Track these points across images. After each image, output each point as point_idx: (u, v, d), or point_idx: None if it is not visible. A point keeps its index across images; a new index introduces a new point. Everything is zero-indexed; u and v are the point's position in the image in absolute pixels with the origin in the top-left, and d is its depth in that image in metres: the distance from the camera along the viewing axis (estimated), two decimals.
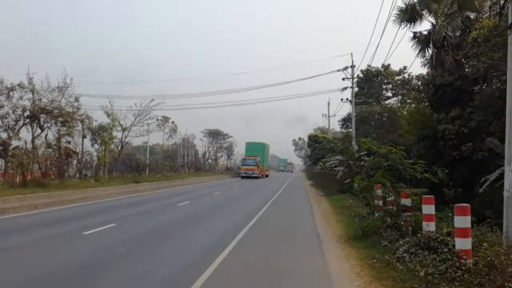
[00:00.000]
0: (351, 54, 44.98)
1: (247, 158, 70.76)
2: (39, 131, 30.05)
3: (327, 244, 11.73)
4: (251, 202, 24.91)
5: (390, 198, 11.79)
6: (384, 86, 47.17)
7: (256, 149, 73.60)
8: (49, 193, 21.03)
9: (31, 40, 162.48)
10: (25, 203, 18.52)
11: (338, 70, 38.82)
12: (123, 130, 37.45)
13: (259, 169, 68.67)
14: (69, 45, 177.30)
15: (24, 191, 20.41)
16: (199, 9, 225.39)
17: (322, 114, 73.81)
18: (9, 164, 26.46)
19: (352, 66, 38.46)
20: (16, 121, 28.76)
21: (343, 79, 39.03)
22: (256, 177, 64.77)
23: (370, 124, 39.93)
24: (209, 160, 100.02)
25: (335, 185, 28.85)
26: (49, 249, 10.75)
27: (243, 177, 63.42)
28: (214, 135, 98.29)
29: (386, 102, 45.14)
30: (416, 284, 7.02)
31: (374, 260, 8.85)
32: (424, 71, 27.52)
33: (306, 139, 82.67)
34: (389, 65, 45.19)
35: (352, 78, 38.94)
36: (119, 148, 39.56)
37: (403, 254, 8.55)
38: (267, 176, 77.90)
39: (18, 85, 28.62)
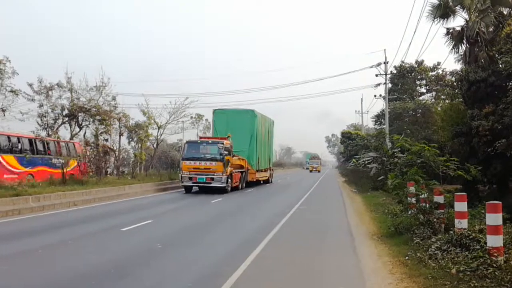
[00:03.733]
0: (384, 50, 44.53)
1: (202, 141, 30.07)
2: (77, 129, 30.99)
3: (360, 241, 11.80)
4: (281, 200, 24.96)
5: (423, 196, 11.72)
6: (417, 82, 46.58)
7: (237, 124, 32.81)
8: (87, 190, 21.53)
9: (70, 39, 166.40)
10: (64, 200, 18.99)
11: (371, 67, 38.72)
12: (159, 128, 38.10)
13: (228, 168, 28.01)
14: (107, 44, 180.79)
15: (64, 188, 20.87)
16: (227, 7, 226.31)
17: (355, 111, 71.43)
18: None
19: (386, 62, 38.25)
20: (55, 119, 29.87)
21: (377, 75, 38.96)
22: (223, 189, 27.38)
23: (404, 120, 39.54)
24: None
25: (368, 182, 28.77)
26: (89, 245, 11.12)
27: (186, 188, 27.90)
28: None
29: (420, 98, 44.50)
30: (447, 281, 7.05)
31: (407, 258, 8.90)
32: (458, 67, 27.11)
33: (339, 136, 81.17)
34: (422, 61, 44.63)
35: (386, 74, 38.73)
36: (155, 145, 40.31)
37: (435, 252, 8.59)
38: (266, 181, 40.01)
39: (57, 84, 29.61)
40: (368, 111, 61.41)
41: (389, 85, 42.66)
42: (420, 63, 44.41)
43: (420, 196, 11.79)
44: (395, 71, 43.85)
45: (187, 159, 27.46)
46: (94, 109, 30.54)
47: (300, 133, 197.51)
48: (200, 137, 36.69)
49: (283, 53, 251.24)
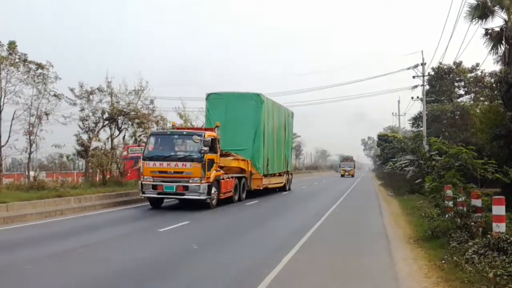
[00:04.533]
0: (422, 51, 43.90)
1: (174, 132, 21.89)
2: (117, 132, 31.64)
3: (395, 244, 11.75)
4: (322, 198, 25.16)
5: (460, 199, 11.59)
6: (456, 84, 45.61)
7: (238, 113, 25.59)
8: (127, 191, 22.06)
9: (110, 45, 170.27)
10: (104, 201, 19.61)
11: (409, 68, 38.10)
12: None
13: (212, 172, 19.57)
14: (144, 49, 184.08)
15: (104, 189, 21.42)
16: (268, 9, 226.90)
17: (392, 113, 70.02)
18: (90, 164, 28.14)
19: (423, 64, 37.63)
20: (96, 123, 30.42)
21: (414, 77, 38.34)
22: (204, 203, 19.34)
23: (441, 122, 38.89)
24: None
25: (405, 185, 28.39)
26: (128, 244, 11.59)
27: (152, 201, 20.04)
28: None
29: (458, 100, 43.64)
30: (484, 285, 6.99)
31: (443, 261, 8.82)
32: (497, 68, 26.54)
33: (376, 139, 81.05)
34: (461, 62, 43.66)
35: (423, 76, 38.11)
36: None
37: (472, 256, 8.49)
38: (282, 188, 31.91)
39: (98, 88, 30.19)
40: (405, 113, 60.31)
41: (427, 87, 41.99)
42: (458, 65, 43.50)
43: (458, 200, 11.65)
44: (432, 73, 43.08)
45: (151, 158, 19.27)
46: (133, 113, 31.03)
47: (335, 135, 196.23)
48: (173, 127, 25.21)
49: (319, 55, 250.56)
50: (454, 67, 43.66)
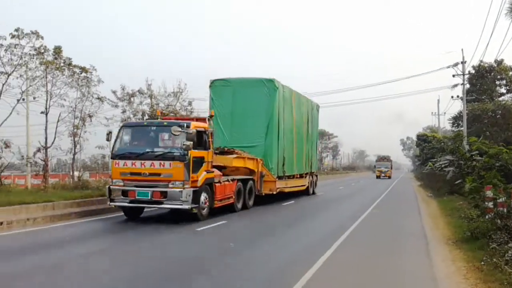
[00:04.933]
0: (462, 50, 43.12)
1: (152, 122, 17.43)
2: None
3: (433, 245, 11.69)
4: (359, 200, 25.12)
5: (501, 200, 11.41)
6: (497, 82, 44.46)
7: (247, 103, 21.97)
8: None
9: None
10: None
11: (448, 67, 37.78)
12: None
13: (200, 174, 15.14)
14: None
15: None
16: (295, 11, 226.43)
17: (432, 113, 68.65)
18: None
19: (463, 62, 37.18)
20: None
21: (454, 75, 37.90)
22: (190, 214, 14.93)
23: (482, 122, 38.00)
24: None
25: (444, 186, 27.89)
26: (167, 243, 11.93)
27: (126, 211, 15.77)
28: (319, 135, 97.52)
29: (500, 99, 42.54)
30: None
31: (482, 263, 8.74)
32: None
33: (415, 139, 79.61)
34: (502, 60, 42.54)
35: (463, 75, 37.58)
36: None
37: None
38: (305, 192, 28.00)
39: (138, 91, 30.63)
40: (445, 113, 58.96)
41: (467, 86, 41.21)
42: (499, 63, 42.38)
43: (498, 200, 11.48)
44: (473, 71, 42.19)
45: (121, 156, 15.12)
46: (172, 114, 31.52)
47: (374, 136, 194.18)
48: (157, 117, 18.87)
49: (354, 56, 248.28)
50: (495, 65, 42.61)
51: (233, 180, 17.80)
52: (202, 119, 17.07)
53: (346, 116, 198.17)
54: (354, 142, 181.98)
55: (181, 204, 14.33)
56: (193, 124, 15.06)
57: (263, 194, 20.88)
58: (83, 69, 24.79)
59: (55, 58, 24.18)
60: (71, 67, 24.54)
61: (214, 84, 22.00)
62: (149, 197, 14.48)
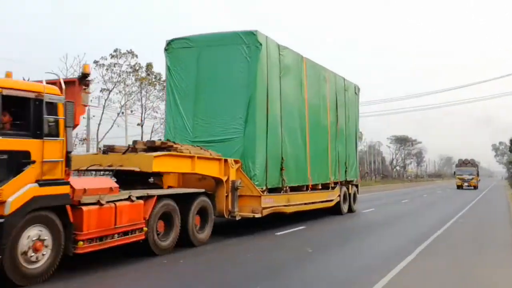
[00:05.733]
0: None
1: None
2: None
3: None
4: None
5: None
6: None
7: (218, 72, 13.98)
8: None
9: None
10: None
11: None
12: None
13: (23, 191, 7.17)
14: None
15: None
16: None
17: None
18: None
19: None
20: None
21: None
22: None
23: None
24: (397, 167, 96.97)
25: None
26: (248, 247, 11.83)
27: None
28: (402, 141, 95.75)
29: None
30: None
31: None
32: None
33: (508, 143, 71.41)
34: None
35: None
36: None
37: None
38: (334, 209, 18.69)
39: None
40: None
41: None
42: None
43: None
44: None
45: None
46: None
47: (462, 142, 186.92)
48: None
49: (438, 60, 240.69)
50: None
51: (147, 197, 9.83)
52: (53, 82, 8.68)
53: (432, 121, 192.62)
54: (441, 148, 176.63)
55: None
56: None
57: (238, 217, 12.73)
58: None
59: (148, 74, 26.49)
60: (161, 82, 26.22)
61: (171, 46, 14.55)
62: None
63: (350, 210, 20.47)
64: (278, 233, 13.72)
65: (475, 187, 53.02)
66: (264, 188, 13.68)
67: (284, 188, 14.74)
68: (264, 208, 13.27)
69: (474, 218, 20.41)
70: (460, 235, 15.04)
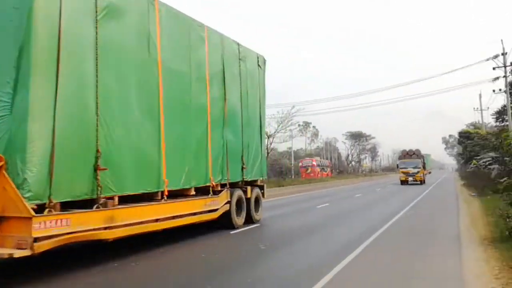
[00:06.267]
0: (501, 40, 41.31)
1: None
2: None
3: (468, 245, 11.20)
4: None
5: None
6: None
7: None
8: None
9: None
10: None
11: (488, 59, 35.88)
12: (268, 137, 39.83)
13: None
14: None
15: None
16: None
17: (474, 108, 65.93)
18: None
19: (504, 54, 35.18)
20: None
21: (494, 68, 35.94)
22: None
23: None
24: (352, 163, 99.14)
25: (489, 184, 26.13)
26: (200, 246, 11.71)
27: None
28: (357, 137, 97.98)
29: None
30: None
31: None
32: None
33: (457, 136, 70.61)
34: None
35: (505, 67, 35.56)
36: (266, 154, 41.62)
37: None
38: (221, 221, 13.74)
39: None
40: (488, 108, 56.38)
41: (511, 78, 38.82)
42: None
43: None
44: None
45: None
46: None
47: (414, 136, 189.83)
48: None
49: (386, 54, 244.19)
50: None
51: None
52: None
53: (384, 116, 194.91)
54: (394, 143, 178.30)
55: None
56: None
57: None
58: None
59: None
60: None
61: None
62: None
63: (253, 219, 15.49)
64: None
65: (422, 182, 47.08)
66: (47, 201, 7.95)
67: (102, 200, 9.09)
68: (41, 239, 7.65)
69: (428, 202, 22.03)
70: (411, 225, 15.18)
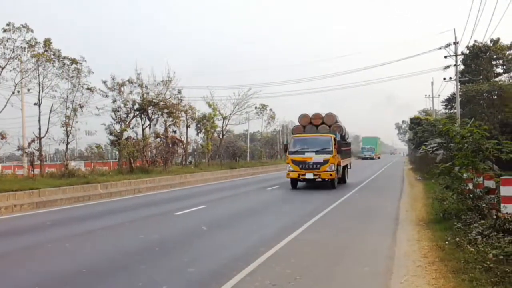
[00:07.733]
0: (454, 30, 42.26)
1: None
2: (147, 122, 32.35)
3: (403, 226, 11.60)
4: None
5: (474, 180, 11.24)
6: (494, 62, 43.03)
7: None
8: (152, 178, 23.20)
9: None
10: (129, 188, 20.81)
11: (440, 48, 36.68)
12: (224, 118, 40.05)
13: None
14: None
15: (130, 177, 22.83)
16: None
17: (425, 95, 67.42)
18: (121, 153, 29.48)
19: (456, 43, 35.99)
20: (127, 113, 31.29)
21: (446, 57, 36.79)
22: None
23: (478, 103, 36.60)
24: None
25: (434, 169, 26.87)
26: (144, 226, 12.29)
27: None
28: None
29: (497, 79, 41.05)
30: (479, 265, 6.80)
31: (446, 242, 8.71)
32: None
33: (409, 122, 71.95)
34: (498, 39, 41.26)
35: (456, 56, 36.41)
36: (221, 136, 41.83)
37: (476, 236, 8.40)
38: None
39: (128, 80, 31.18)
40: (439, 95, 58.00)
41: (461, 67, 39.90)
42: (495, 42, 41.07)
43: (474, 182, 11.23)
44: (467, 52, 40.74)
45: None
46: (162, 103, 32.06)
47: (369, 121, 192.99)
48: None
49: (344, 39, 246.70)
50: (491, 45, 41.16)
51: None
52: None
53: (339, 101, 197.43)
54: (349, 127, 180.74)
55: None
56: None
57: None
58: (73, 61, 25.30)
59: (45, 51, 24.69)
60: (61, 59, 25.16)
61: None
62: None
63: None
64: None
65: (334, 182, 23.37)
66: None
67: None
68: None
69: (374, 186, 21.51)
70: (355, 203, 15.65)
